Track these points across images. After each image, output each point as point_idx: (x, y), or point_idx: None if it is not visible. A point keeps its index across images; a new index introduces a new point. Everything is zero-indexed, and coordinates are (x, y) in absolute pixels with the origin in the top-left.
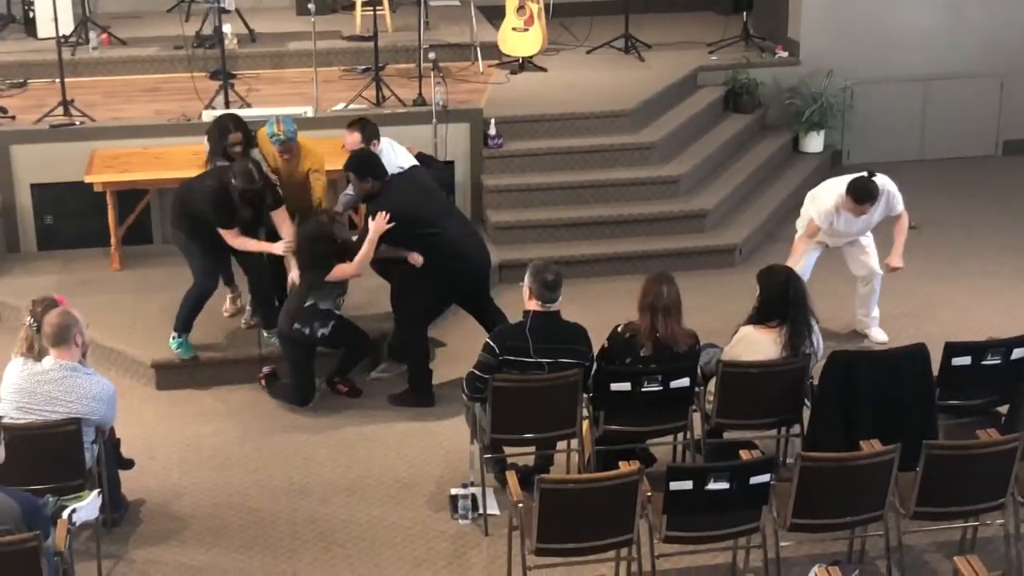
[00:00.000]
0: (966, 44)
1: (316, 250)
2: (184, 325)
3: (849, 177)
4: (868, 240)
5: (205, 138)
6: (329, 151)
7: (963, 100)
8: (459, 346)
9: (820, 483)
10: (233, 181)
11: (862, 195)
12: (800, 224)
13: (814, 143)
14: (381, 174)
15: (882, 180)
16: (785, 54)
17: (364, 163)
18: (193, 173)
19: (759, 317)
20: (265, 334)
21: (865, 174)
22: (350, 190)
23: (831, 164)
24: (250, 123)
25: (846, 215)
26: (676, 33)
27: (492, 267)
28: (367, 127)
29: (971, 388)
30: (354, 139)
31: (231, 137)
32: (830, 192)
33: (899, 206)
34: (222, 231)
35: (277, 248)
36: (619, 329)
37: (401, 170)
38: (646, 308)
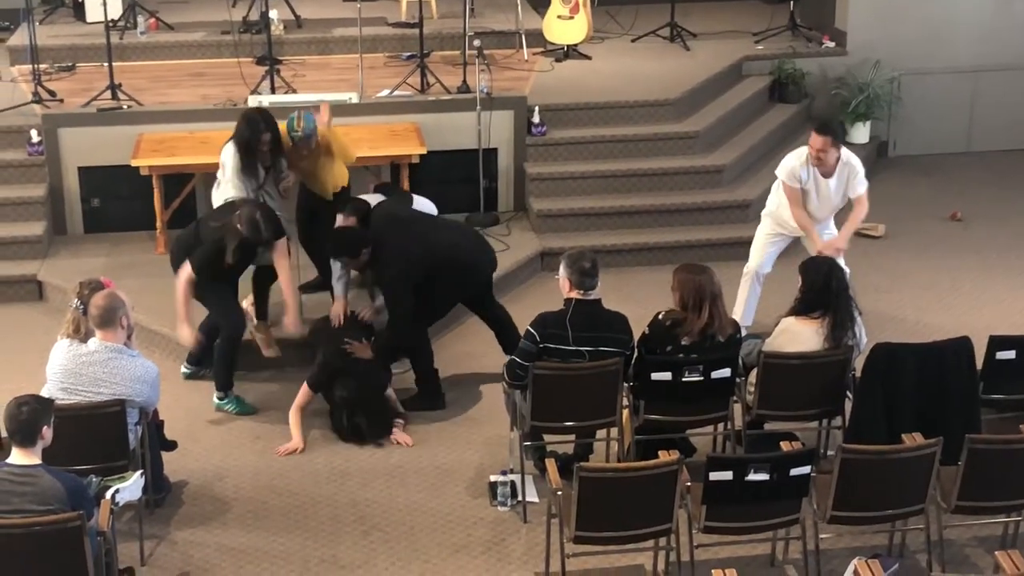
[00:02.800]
0: (1015, 36)
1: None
2: (227, 382)
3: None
4: (830, 227)
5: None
6: (374, 137)
7: (1012, 92)
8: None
9: (861, 476)
10: (238, 227)
11: (823, 127)
12: (765, 216)
13: (860, 134)
14: (367, 238)
15: (847, 152)
16: (832, 44)
17: (349, 241)
18: None
19: (801, 308)
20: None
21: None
22: (338, 272)
23: (877, 155)
24: (294, 109)
25: (815, 174)
26: (722, 22)
27: (533, 255)
28: (360, 209)
29: (1015, 382)
30: (351, 222)
31: (262, 136)
32: (791, 154)
33: (860, 187)
34: (187, 269)
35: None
36: (660, 316)
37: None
38: (697, 304)
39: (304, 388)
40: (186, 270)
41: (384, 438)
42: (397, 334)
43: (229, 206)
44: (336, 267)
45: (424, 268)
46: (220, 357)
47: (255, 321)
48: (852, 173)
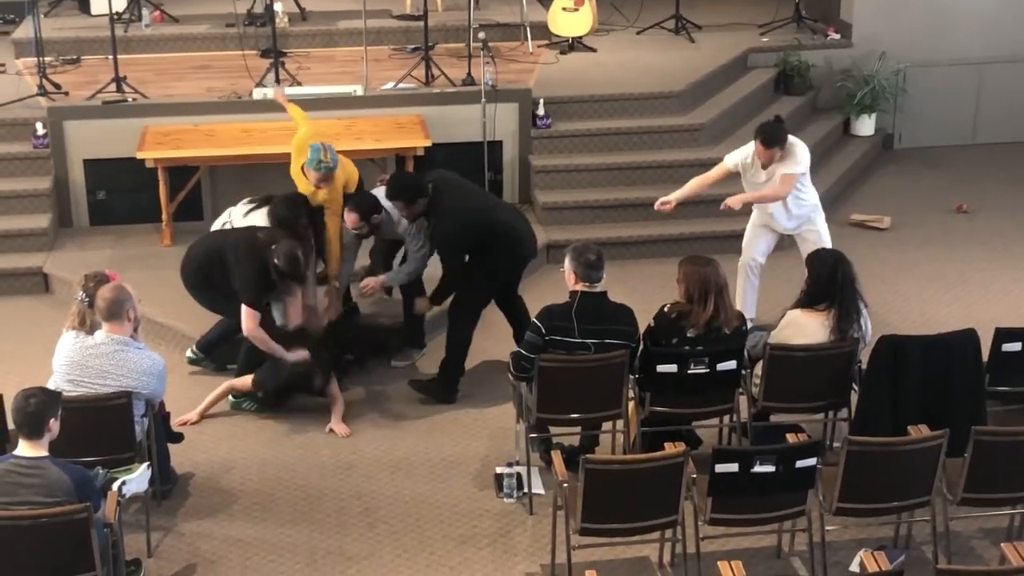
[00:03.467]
0: (1021, 27)
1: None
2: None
3: None
4: (821, 238)
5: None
6: (379, 130)
7: (1017, 84)
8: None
9: (867, 468)
10: (276, 262)
11: (770, 139)
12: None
13: (865, 126)
14: (424, 188)
15: (793, 138)
16: (837, 36)
17: (405, 188)
18: (243, 151)
19: (807, 300)
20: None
21: (772, 118)
22: (346, 259)
23: (882, 147)
24: (299, 102)
25: (757, 165)
26: (727, 14)
27: (540, 247)
28: (363, 204)
29: (1021, 374)
30: (353, 218)
31: (300, 221)
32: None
33: (789, 168)
34: (247, 310)
35: (290, 358)
36: (666, 309)
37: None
38: (703, 296)
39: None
40: (248, 312)
41: (328, 382)
42: (447, 286)
43: (252, 233)
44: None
45: (478, 234)
46: (245, 361)
47: None
48: (786, 157)
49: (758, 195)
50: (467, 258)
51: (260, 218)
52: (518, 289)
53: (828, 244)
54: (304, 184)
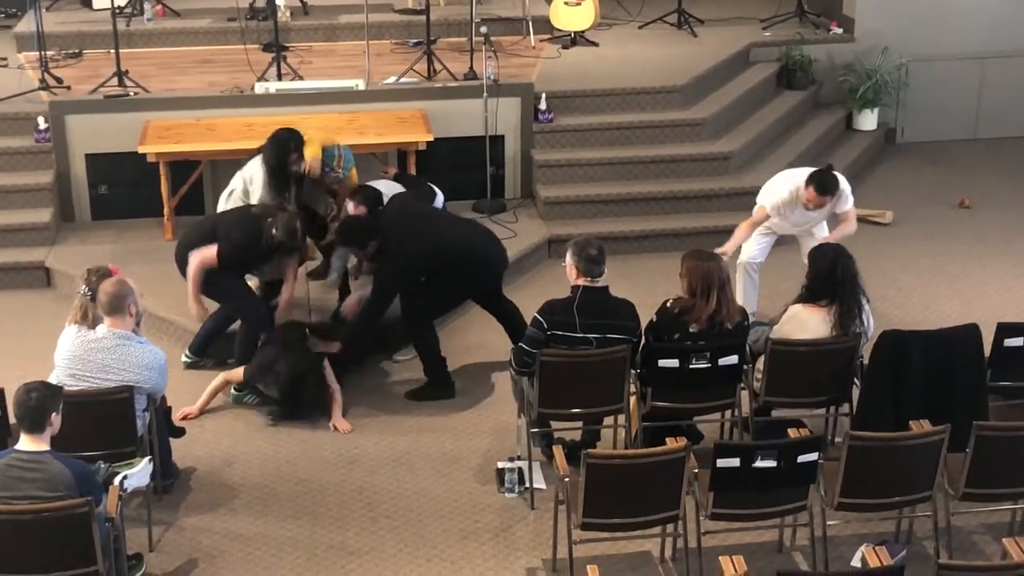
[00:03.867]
0: (1023, 22)
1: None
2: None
3: (803, 172)
4: (823, 231)
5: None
6: (381, 125)
7: (1020, 79)
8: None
9: (868, 463)
10: (274, 232)
11: (824, 187)
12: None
13: (868, 121)
14: (376, 231)
15: (842, 179)
16: (839, 31)
17: (359, 231)
18: (244, 145)
19: (809, 296)
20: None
21: (824, 167)
22: (337, 255)
23: (884, 142)
24: (301, 96)
25: (799, 208)
26: (729, 9)
27: (540, 242)
28: (371, 199)
29: (1023, 369)
30: (361, 212)
31: (292, 156)
32: (786, 185)
33: (847, 205)
34: (209, 254)
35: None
36: (668, 304)
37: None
38: (705, 290)
39: (237, 372)
40: (205, 253)
41: (318, 416)
42: (364, 320)
43: (248, 210)
44: (336, 260)
45: (428, 266)
46: (242, 350)
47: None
48: (842, 195)
49: (842, 234)
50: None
51: (258, 163)
52: (499, 294)
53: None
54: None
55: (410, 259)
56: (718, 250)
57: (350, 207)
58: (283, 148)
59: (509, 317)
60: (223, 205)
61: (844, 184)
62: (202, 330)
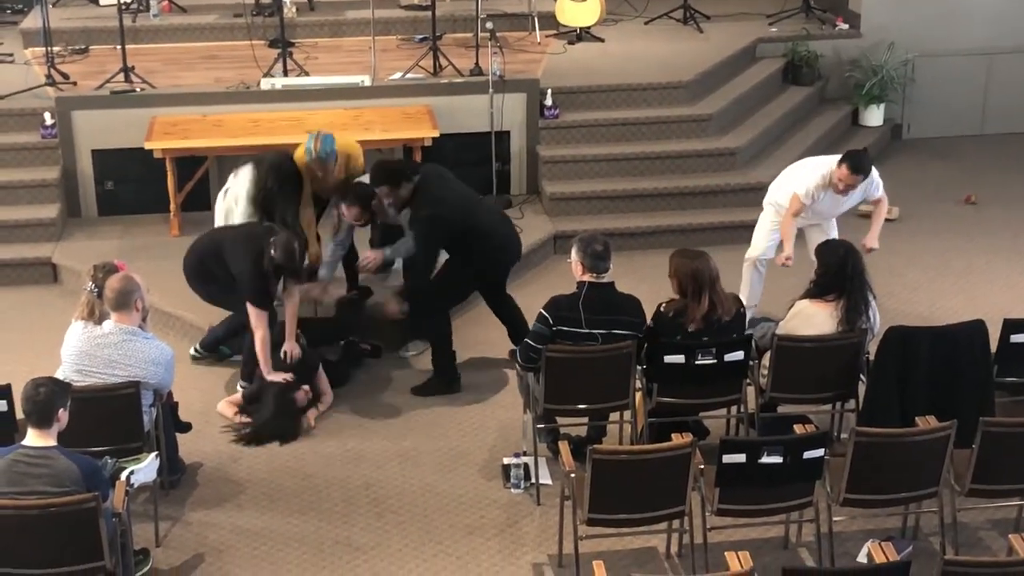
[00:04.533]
0: None
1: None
2: (254, 372)
3: (826, 157)
4: (833, 227)
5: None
6: (387, 120)
7: None
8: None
9: (874, 459)
10: (272, 252)
11: (858, 166)
12: (768, 206)
13: (874, 116)
14: (410, 173)
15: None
16: (846, 26)
17: (391, 173)
18: (251, 141)
19: (816, 291)
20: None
21: (860, 149)
22: (327, 254)
23: (891, 138)
24: (307, 92)
25: (830, 192)
26: (735, 4)
27: (546, 238)
28: (363, 197)
29: None
30: (355, 212)
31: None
32: (815, 170)
33: (878, 191)
34: (254, 311)
35: (269, 376)
36: (662, 308)
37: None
38: (696, 290)
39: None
40: (255, 312)
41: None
42: (417, 279)
43: (252, 231)
44: (327, 249)
45: (456, 229)
46: (250, 354)
47: None
48: (871, 182)
49: (881, 220)
50: (444, 258)
51: (246, 175)
52: (504, 289)
53: (835, 236)
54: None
55: (444, 212)
56: (782, 257)
57: (342, 208)
58: (259, 244)
59: (510, 314)
60: (220, 203)
61: (874, 172)
62: (218, 329)
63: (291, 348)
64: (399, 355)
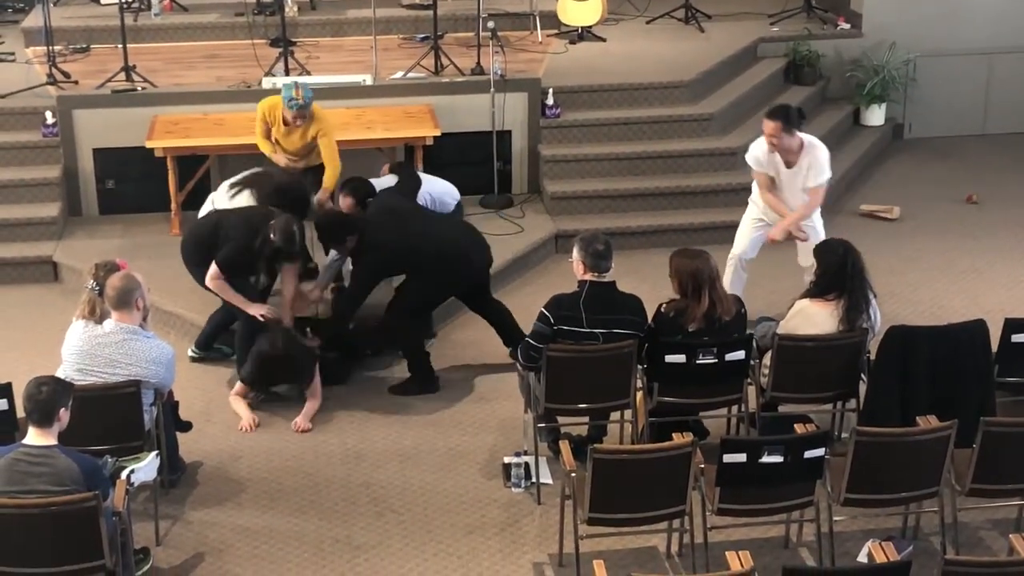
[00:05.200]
0: None
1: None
2: (207, 343)
3: None
4: (817, 233)
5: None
6: (389, 119)
7: None
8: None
9: (875, 458)
10: (272, 236)
11: (771, 112)
12: (752, 204)
13: (875, 116)
14: (357, 225)
15: (810, 137)
16: (847, 26)
17: (336, 227)
18: (252, 140)
19: (817, 290)
20: (189, 351)
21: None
22: (331, 257)
23: (892, 137)
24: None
25: (777, 158)
26: (737, 4)
27: (547, 237)
28: (359, 190)
29: None
30: (349, 202)
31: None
32: (758, 140)
33: (816, 179)
34: (216, 267)
35: (254, 310)
36: (663, 308)
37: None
38: (696, 290)
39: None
40: (212, 270)
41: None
42: (337, 312)
43: (253, 211)
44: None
45: (405, 263)
46: (215, 320)
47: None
48: (813, 163)
49: (795, 217)
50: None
51: (245, 200)
52: (487, 295)
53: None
54: (268, 147)
55: (386, 254)
56: (774, 234)
57: (340, 199)
58: (257, 226)
59: (498, 317)
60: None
61: (821, 153)
62: (207, 326)
63: (286, 318)
64: (398, 355)
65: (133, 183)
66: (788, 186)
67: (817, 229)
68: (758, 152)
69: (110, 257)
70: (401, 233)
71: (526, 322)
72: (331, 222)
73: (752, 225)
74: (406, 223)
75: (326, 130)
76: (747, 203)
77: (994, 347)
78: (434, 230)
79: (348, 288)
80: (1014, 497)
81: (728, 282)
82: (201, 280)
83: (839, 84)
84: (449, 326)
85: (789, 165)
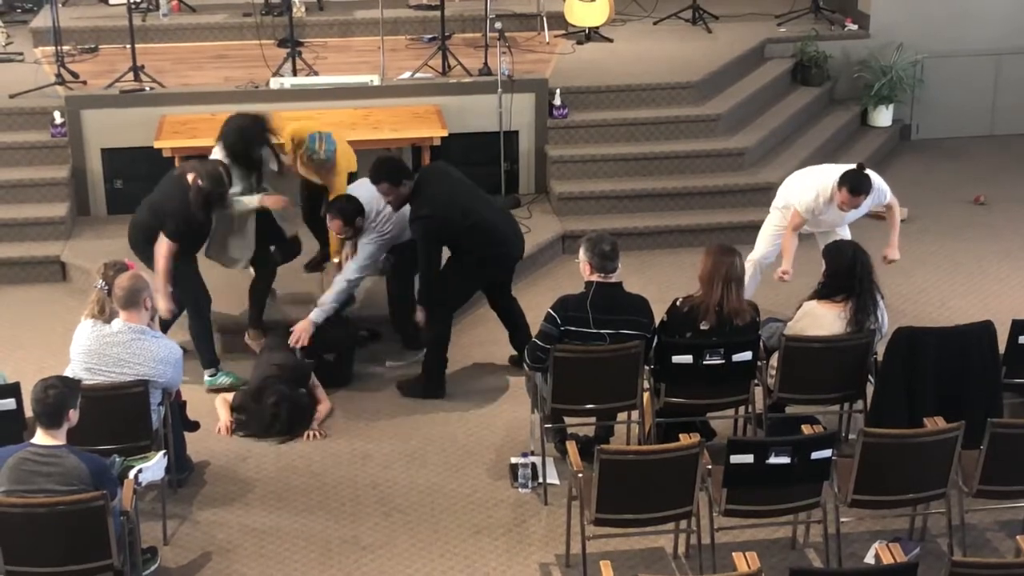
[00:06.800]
0: None
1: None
2: (212, 357)
3: (828, 168)
4: (845, 231)
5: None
6: (396, 120)
7: None
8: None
9: (882, 459)
10: (200, 184)
11: (857, 188)
12: (775, 210)
13: (883, 117)
14: (408, 172)
15: (873, 174)
16: (855, 27)
17: (392, 170)
18: None
19: (825, 292)
20: (208, 378)
21: (855, 166)
22: (369, 250)
23: (899, 138)
24: (316, 91)
25: (833, 206)
26: (744, 4)
27: (554, 238)
28: (347, 210)
29: None
30: (337, 224)
31: (254, 151)
32: (813, 185)
33: (886, 198)
34: (165, 240)
35: (162, 303)
36: (678, 303)
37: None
38: (715, 280)
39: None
40: (164, 242)
41: (301, 432)
42: (425, 286)
43: (171, 174)
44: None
45: (456, 227)
46: (198, 336)
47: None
48: (878, 191)
49: (897, 228)
50: (446, 257)
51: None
52: (509, 291)
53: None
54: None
55: (444, 208)
56: (779, 272)
57: (328, 220)
58: (247, 134)
59: (514, 319)
60: None
61: (877, 180)
62: (198, 343)
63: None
64: (384, 365)
65: (141, 183)
66: (836, 215)
67: (846, 231)
68: (816, 204)
69: (118, 257)
70: (453, 195)
71: (534, 321)
72: (390, 164)
73: (774, 232)
74: (458, 187)
75: (337, 172)
76: (753, 203)
77: (1001, 348)
78: (480, 204)
79: (420, 268)
80: (1022, 499)
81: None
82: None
83: (846, 85)
84: (457, 327)
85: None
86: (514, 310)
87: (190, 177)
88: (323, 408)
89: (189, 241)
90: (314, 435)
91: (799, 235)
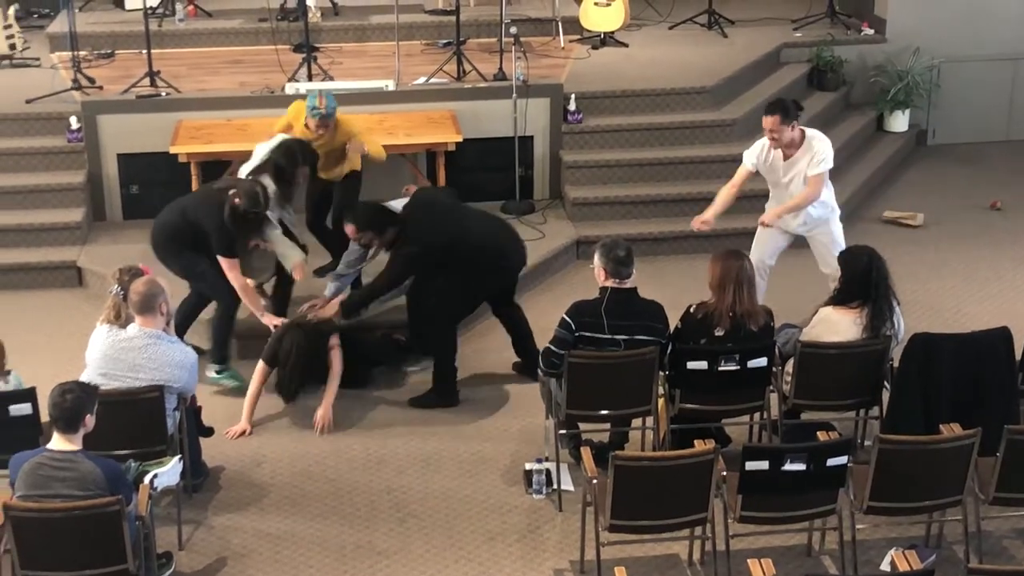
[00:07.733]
0: None
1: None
2: (224, 355)
3: None
4: (834, 238)
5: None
6: (411, 125)
7: None
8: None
9: (898, 466)
10: (236, 202)
11: (770, 108)
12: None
13: (899, 122)
14: (397, 217)
15: (811, 129)
16: (871, 31)
17: (376, 216)
18: None
19: (841, 298)
20: (214, 374)
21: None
22: (351, 258)
23: (916, 143)
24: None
25: (775, 154)
26: (760, 9)
27: (569, 243)
28: (360, 217)
29: None
30: (351, 228)
31: (299, 170)
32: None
33: (814, 168)
34: (223, 259)
35: (265, 320)
36: (691, 310)
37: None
38: (726, 284)
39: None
40: (224, 263)
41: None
42: (365, 295)
43: (210, 188)
44: (341, 265)
45: (440, 259)
46: (218, 330)
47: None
48: (814, 154)
49: (790, 205)
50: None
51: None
52: (512, 298)
53: (842, 247)
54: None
55: (424, 248)
56: (699, 220)
57: (346, 227)
58: (293, 159)
59: (516, 325)
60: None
61: (821, 143)
62: (216, 337)
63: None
64: (404, 369)
65: (157, 188)
66: (787, 183)
67: (835, 236)
68: (758, 149)
69: (134, 262)
70: (441, 229)
71: (548, 327)
72: (374, 211)
73: (768, 231)
74: (446, 218)
75: (354, 133)
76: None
77: (1018, 355)
78: (473, 226)
79: (380, 277)
80: None
81: None
82: (181, 272)
83: (862, 90)
84: (470, 334)
85: (787, 158)
86: (517, 317)
87: (230, 193)
88: (336, 369)
89: (240, 252)
90: (322, 428)
91: (795, 236)
